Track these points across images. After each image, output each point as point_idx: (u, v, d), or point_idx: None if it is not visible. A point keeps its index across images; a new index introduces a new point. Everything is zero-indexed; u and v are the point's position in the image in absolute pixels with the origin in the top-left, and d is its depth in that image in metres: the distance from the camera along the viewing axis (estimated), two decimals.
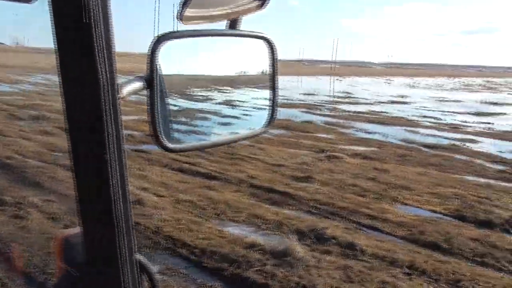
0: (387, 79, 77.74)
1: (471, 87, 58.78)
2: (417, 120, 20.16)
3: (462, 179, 9.53)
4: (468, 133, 16.53)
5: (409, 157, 11.47)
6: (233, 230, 6.26)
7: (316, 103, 27.17)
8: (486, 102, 32.22)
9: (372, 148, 12.61)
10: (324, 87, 48.36)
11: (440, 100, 33.11)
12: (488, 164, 11.07)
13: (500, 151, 12.94)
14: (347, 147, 12.73)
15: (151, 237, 5.81)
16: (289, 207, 7.31)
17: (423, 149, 12.80)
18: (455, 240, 5.93)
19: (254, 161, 10.34)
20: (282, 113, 20.39)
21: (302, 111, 22.32)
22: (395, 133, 15.86)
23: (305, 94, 34.98)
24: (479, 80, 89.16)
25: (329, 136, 14.61)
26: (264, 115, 1.18)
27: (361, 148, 12.57)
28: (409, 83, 65.59)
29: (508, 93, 46.95)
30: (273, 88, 1.18)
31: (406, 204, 7.69)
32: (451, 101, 33.10)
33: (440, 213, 7.28)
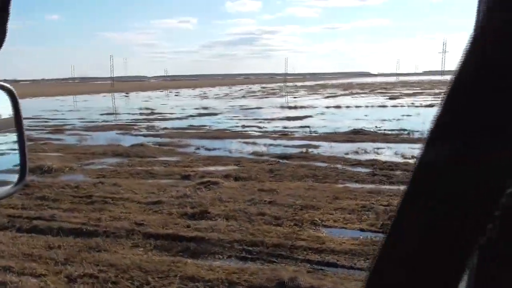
0: (174, 92, 78.10)
1: (257, 93, 62.57)
2: (243, 131, 20.01)
3: (348, 187, 9.28)
4: (301, 138, 16.89)
5: (278, 171, 10.90)
6: None
7: (127, 123, 25.24)
8: (283, 107, 34.25)
9: (233, 167, 11.72)
10: (118, 104, 45.98)
11: (244, 109, 34.06)
12: (351, 168, 11.16)
13: (345, 153, 13.32)
14: (206, 168, 11.59)
15: None
16: (217, 256, 5.94)
17: (282, 161, 12.40)
18: None
19: (122, 202, 8.50)
20: (100, 138, 18.40)
21: (120, 133, 20.40)
22: (235, 147, 15.29)
23: (105, 114, 32.48)
24: (256, 87, 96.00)
25: (175, 159, 13.24)
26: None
27: (222, 168, 11.58)
28: (198, 94, 66.83)
29: (292, 96, 51.11)
30: (21, 139, 1.11)
31: (329, 227, 6.99)
32: (253, 108, 34.31)
33: (371, 231, 6.75)
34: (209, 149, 14.98)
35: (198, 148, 15.21)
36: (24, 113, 1.18)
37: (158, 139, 17.69)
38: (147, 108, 36.73)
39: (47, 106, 41.29)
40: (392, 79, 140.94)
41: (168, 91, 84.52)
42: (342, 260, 5.66)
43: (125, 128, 22.53)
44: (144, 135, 19.32)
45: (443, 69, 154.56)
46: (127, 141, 17.49)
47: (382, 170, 10.70)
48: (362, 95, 50.95)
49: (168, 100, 51.29)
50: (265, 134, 18.42)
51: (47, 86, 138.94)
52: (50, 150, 15.37)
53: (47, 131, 21.85)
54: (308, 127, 20.48)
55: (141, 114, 31.61)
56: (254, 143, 15.99)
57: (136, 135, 19.66)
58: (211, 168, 11.64)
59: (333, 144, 15.30)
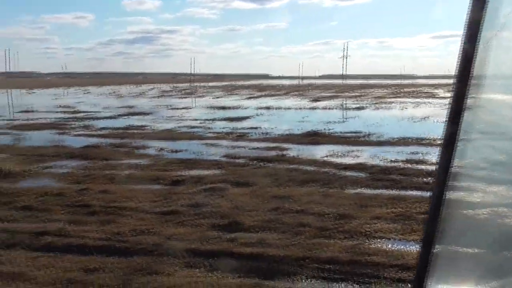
0: (81, 90, 73.82)
1: (172, 93, 60.83)
2: (193, 132, 19.03)
3: (362, 193, 8.89)
4: (261, 140, 16.30)
5: (274, 175, 10.27)
6: None
7: (57, 121, 23.14)
8: (212, 107, 33.34)
9: (218, 171, 10.92)
10: (28, 102, 42.27)
11: (174, 108, 32.74)
12: (345, 172, 10.80)
13: (321, 156, 12.98)
14: (189, 172, 10.69)
15: None
16: (295, 277, 5.22)
17: (264, 164, 11.76)
18: None
19: (131, 212, 7.49)
20: (36, 137, 16.79)
21: (56, 133, 18.54)
22: (200, 149, 14.37)
23: (22, 111, 29.67)
24: (166, 86, 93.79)
25: (145, 162, 12.10)
26: None
27: (207, 172, 10.74)
28: (109, 92, 63.64)
29: (212, 97, 50.15)
30: None
31: (383, 238, 6.51)
32: (182, 108, 33.04)
33: None
34: (173, 151, 13.95)
35: (160, 150, 14.11)
36: None
37: (107, 140, 16.23)
38: (65, 106, 34.05)
39: None
40: (295, 81, 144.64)
41: (75, 88, 79.64)
42: None
43: (58, 127, 20.55)
44: (87, 135, 17.70)
45: (344, 73, 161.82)
46: (71, 141, 15.92)
47: (379, 175, 10.46)
48: (281, 96, 51.38)
49: (81, 98, 48.10)
50: (220, 136, 17.59)
51: None
52: None
53: None
54: (256, 128, 19.91)
55: (64, 112, 29.16)
56: (216, 145, 15.16)
57: (76, 135, 17.97)
58: (194, 172, 10.76)
59: (301, 146, 14.92)
